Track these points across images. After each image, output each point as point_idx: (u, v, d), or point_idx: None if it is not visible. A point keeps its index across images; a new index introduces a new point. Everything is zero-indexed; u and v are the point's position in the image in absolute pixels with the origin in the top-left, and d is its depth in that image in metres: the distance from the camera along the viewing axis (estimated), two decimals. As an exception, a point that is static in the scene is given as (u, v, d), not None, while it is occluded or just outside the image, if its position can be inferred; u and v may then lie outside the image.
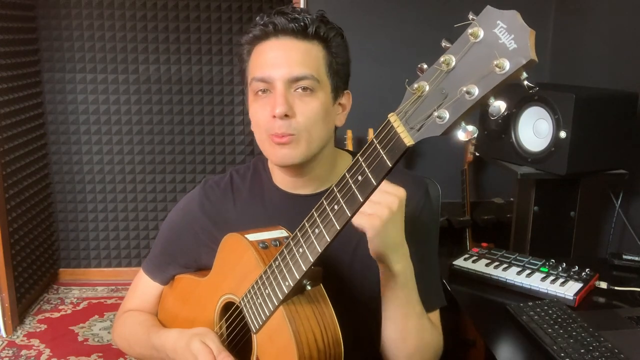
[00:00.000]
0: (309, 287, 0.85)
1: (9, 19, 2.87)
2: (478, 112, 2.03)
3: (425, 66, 0.65)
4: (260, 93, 0.98)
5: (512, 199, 2.29)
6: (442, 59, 0.62)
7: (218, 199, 1.12)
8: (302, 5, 2.49)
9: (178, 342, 0.99)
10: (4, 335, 2.78)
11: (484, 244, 1.70)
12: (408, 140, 0.65)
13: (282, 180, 1.08)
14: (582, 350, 1.11)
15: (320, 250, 0.78)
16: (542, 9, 2.61)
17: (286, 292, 0.83)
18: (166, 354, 1.03)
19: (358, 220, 0.83)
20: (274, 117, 0.94)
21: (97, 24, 3.20)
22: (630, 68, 2.03)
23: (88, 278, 3.47)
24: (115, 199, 3.42)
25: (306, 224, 0.81)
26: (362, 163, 0.71)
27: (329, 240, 0.77)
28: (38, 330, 2.87)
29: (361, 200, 0.71)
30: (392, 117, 0.67)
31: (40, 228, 3.21)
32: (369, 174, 0.70)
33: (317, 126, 0.97)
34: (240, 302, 0.94)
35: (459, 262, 1.56)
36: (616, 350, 1.10)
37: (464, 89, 0.60)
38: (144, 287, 1.20)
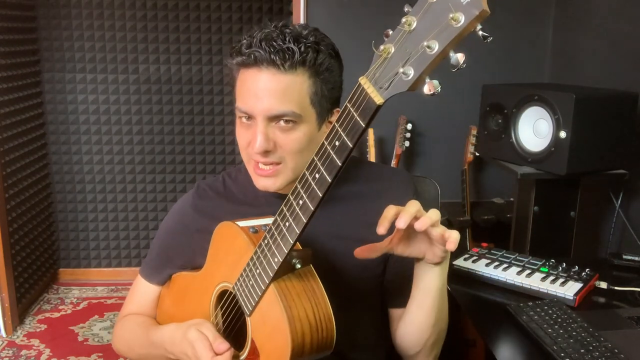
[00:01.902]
0: (298, 266, 0.87)
1: (9, 19, 2.87)
2: (478, 112, 2.03)
3: (390, 32, 0.69)
4: (244, 120, 0.99)
5: (512, 199, 2.29)
6: (403, 20, 0.66)
7: (211, 200, 1.13)
8: (301, 8, 2.48)
9: (175, 333, 1.01)
10: (4, 335, 2.78)
11: (484, 244, 1.70)
12: (378, 99, 0.68)
13: None
14: (582, 350, 1.11)
15: (305, 221, 0.80)
16: (542, 9, 2.62)
17: (276, 268, 0.84)
18: (164, 348, 1.04)
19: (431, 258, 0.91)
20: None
21: (97, 24, 3.20)
22: (630, 68, 2.04)
23: (88, 278, 3.47)
24: (115, 199, 3.42)
25: (291, 196, 0.82)
26: (338, 128, 0.74)
27: (312, 209, 0.78)
28: (38, 330, 2.87)
29: (339, 163, 0.73)
30: (363, 80, 0.71)
31: (40, 228, 3.22)
32: (344, 137, 0.73)
33: (301, 155, 0.98)
34: (233, 288, 0.96)
35: (459, 262, 1.56)
36: (616, 350, 1.10)
37: (425, 43, 0.64)
38: (141, 291, 1.22)
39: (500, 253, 1.60)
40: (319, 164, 0.77)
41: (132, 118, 3.33)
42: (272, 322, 0.87)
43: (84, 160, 3.35)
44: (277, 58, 0.91)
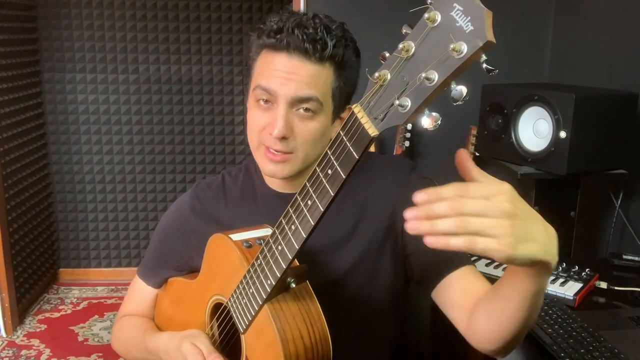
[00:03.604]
0: (293, 285, 0.85)
1: (9, 19, 2.87)
2: (478, 113, 2.03)
3: (387, 54, 0.64)
4: (262, 102, 0.96)
5: (512, 199, 2.28)
6: (401, 45, 0.61)
7: (209, 200, 1.12)
8: (301, 6, 2.48)
9: (169, 344, 1.00)
10: (4, 335, 2.78)
11: (484, 244, 1.69)
12: (372, 131, 0.65)
13: (274, 182, 1.08)
14: (582, 350, 1.11)
15: (297, 247, 0.78)
16: (542, 9, 2.61)
17: (269, 290, 0.83)
18: (160, 357, 1.03)
19: (484, 246, 0.62)
20: (271, 134, 0.94)
21: (97, 24, 3.20)
22: (630, 68, 2.03)
23: (88, 278, 3.47)
24: (115, 199, 3.42)
25: (283, 220, 0.80)
26: (331, 156, 0.70)
27: (304, 236, 0.76)
28: (38, 330, 2.87)
29: (332, 194, 0.71)
30: (356, 108, 0.67)
31: (40, 228, 3.22)
32: (337, 167, 0.69)
33: (313, 147, 0.97)
34: (227, 303, 0.94)
35: (459, 262, 1.56)
36: (616, 350, 1.10)
37: (424, 75, 0.59)
38: (139, 291, 1.22)
39: (500, 253, 1.59)
40: (310, 190, 0.74)
41: (132, 118, 3.33)
42: (266, 343, 0.85)
43: (84, 160, 3.35)
44: (310, 47, 0.90)
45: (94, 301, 3.21)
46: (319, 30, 0.91)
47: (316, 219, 0.74)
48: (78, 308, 3.13)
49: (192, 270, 1.13)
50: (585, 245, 2.16)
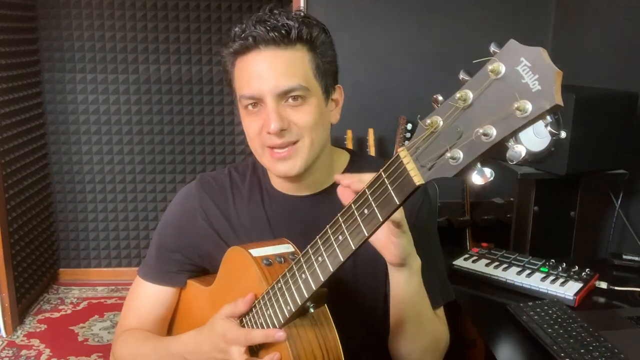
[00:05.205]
0: (312, 310, 0.84)
1: (9, 19, 2.87)
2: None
3: (440, 98, 0.60)
4: (250, 107, 0.96)
5: (512, 199, 2.28)
6: (458, 94, 0.57)
7: (217, 195, 1.09)
8: (302, 6, 2.48)
9: (198, 336, 0.96)
10: (4, 335, 2.78)
11: (484, 244, 1.70)
12: (418, 179, 0.61)
13: (281, 184, 1.07)
14: (582, 350, 1.11)
15: (322, 280, 0.76)
16: (542, 9, 2.61)
17: (287, 316, 0.82)
18: (184, 357, 0.98)
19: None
20: (269, 132, 0.93)
21: (97, 24, 3.20)
22: (630, 68, 2.03)
23: (88, 278, 3.47)
24: (115, 199, 3.42)
25: (310, 250, 0.78)
26: (369, 196, 0.68)
27: (332, 270, 0.75)
28: (38, 330, 2.87)
29: (366, 234, 0.69)
30: (402, 153, 0.63)
31: (40, 228, 3.22)
32: (375, 209, 0.67)
33: (316, 130, 0.96)
34: (242, 320, 0.93)
35: (459, 262, 1.56)
36: (616, 350, 1.10)
37: (481, 130, 0.55)
38: (142, 294, 1.15)
39: (500, 253, 1.60)
40: (343, 226, 0.72)
41: (132, 118, 3.33)
42: None
43: (84, 160, 3.35)
44: (276, 34, 0.91)
45: (94, 301, 3.21)
46: (279, 18, 0.93)
47: (346, 256, 0.72)
48: (78, 308, 3.13)
49: (203, 262, 1.10)
50: (585, 245, 2.16)
